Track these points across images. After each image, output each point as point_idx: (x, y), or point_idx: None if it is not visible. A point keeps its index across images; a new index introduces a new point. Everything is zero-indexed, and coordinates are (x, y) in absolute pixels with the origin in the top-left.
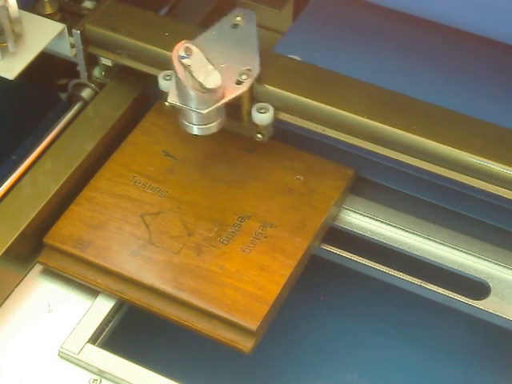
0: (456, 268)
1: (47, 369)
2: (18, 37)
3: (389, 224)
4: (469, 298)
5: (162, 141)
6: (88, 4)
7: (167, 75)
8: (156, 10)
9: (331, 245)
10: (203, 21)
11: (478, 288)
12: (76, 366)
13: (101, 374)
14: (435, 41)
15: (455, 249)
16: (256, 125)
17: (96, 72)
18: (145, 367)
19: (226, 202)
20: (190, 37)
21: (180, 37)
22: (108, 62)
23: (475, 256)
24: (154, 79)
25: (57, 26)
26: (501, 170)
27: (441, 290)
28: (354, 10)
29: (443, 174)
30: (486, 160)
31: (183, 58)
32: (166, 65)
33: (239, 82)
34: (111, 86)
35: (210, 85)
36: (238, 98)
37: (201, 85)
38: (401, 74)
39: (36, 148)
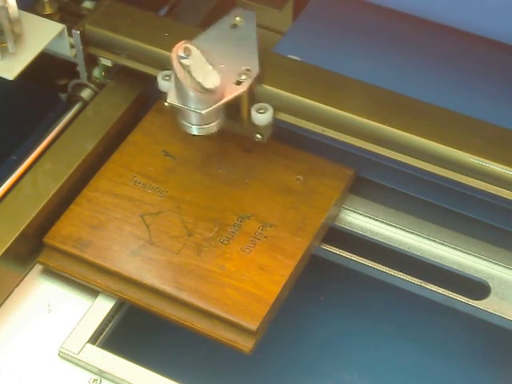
0: (456, 268)
1: (47, 369)
2: (17, 37)
3: (389, 224)
4: (469, 298)
5: (162, 141)
6: (88, 4)
7: (166, 75)
8: (156, 10)
9: (331, 245)
10: (203, 21)
11: (478, 288)
12: (76, 366)
13: (101, 373)
14: (435, 41)
15: (455, 249)
16: (255, 125)
17: (96, 72)
18: (145, 367)
19: (226, 202)
20: (190, 37)
21: (180, 37)
22: (108, 63)
23: (475, 256)
24: (154, 79)
25: (56, 27)
26: (501, 171)
27: (441, 290)
28: (354, 9)
29: (443, 175)
30: (486, 160)
31: (182, 58)
32: (166, 65)
33: (238, 83)
34: (111, 87)
35: (209, 85)
36: (237, 98)
37: (200, 85)
38: (401, 73)
39: (36, 148)
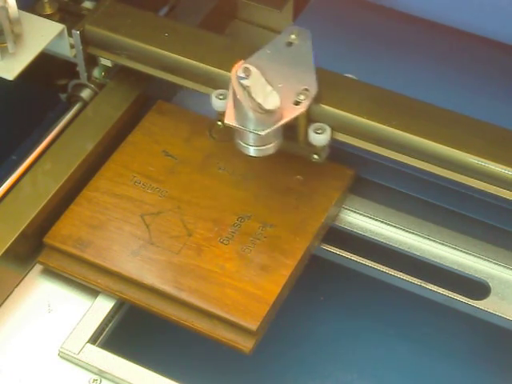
0: (456, 268)
1: (47, 369)
2: (17, 37)
3: (389, 224)
4: (469, 298)
5: (162, 141)
6: (88, 4)
7: (220, 94)
8: (156, 10)
9: (331, 245)
10: (203, 21)
11: (478, 288)
12: (76, 366)
13: (101, 373)
14: (435, 41)
15: (455, 249)
16: (312, 145)
17: (96, 72)
18: (145, 367)
19: (225, 201)
20: (190, 37)
21: (179, 37)
22: (108, 63)
23: (475, 256)
24: (154, 79)
25: (56, 27)
26: (501, 171)
27: (441, 290)
28: (354, 10)
29: (443, 175)
30: (486, 160)
31: (242, 78)
32: (166, 65)
33: (297, 103)
34: (111, 87)
35: (269, 106)
36: (295, 119)
37: (259, 106)
38: (401, 74)
39: (36, 148)
